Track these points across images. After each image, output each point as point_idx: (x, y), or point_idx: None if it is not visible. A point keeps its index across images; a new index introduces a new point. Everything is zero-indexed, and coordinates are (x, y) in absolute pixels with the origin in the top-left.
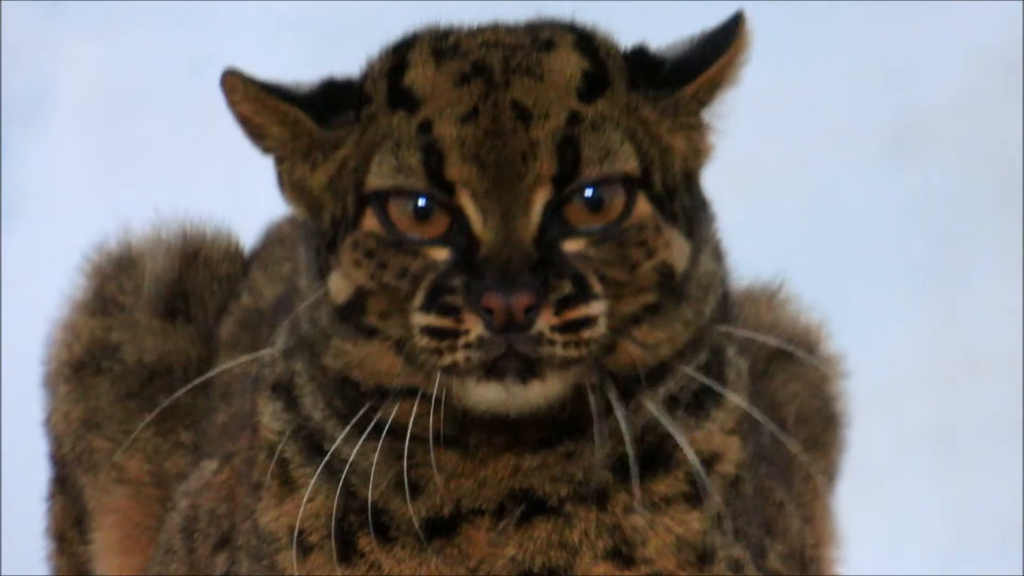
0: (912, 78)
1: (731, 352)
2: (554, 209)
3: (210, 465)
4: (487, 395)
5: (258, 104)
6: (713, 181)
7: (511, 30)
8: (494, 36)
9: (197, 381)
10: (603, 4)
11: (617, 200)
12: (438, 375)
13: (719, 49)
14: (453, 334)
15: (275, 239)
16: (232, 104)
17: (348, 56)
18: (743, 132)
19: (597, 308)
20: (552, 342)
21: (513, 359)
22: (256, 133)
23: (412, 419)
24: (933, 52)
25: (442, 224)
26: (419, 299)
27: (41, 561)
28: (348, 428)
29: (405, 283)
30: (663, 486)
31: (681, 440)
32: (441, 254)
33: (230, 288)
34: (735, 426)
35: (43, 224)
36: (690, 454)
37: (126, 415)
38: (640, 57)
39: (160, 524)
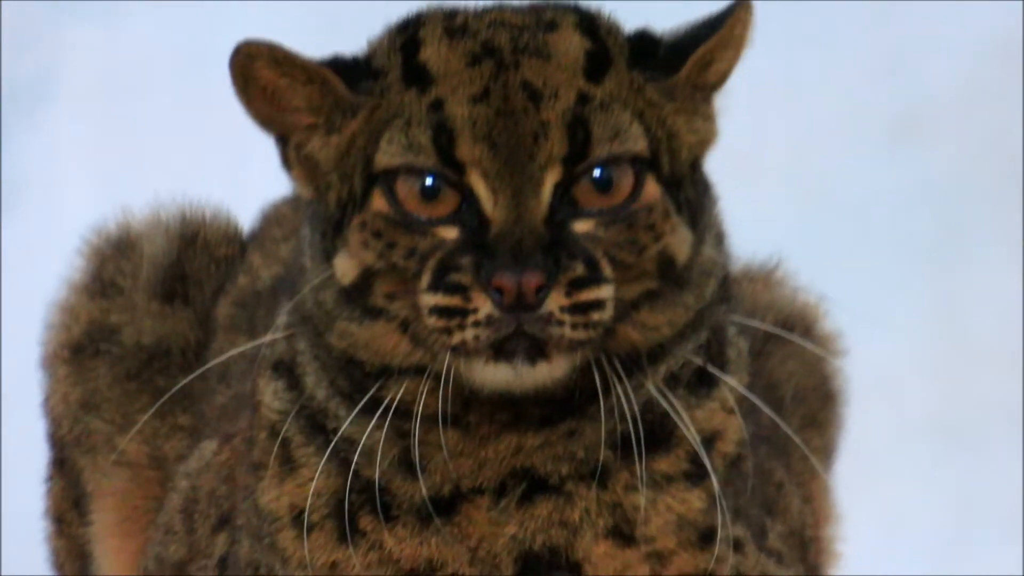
0: (913, 66)
1: (731, 332)
2: (563, 190)
3: (210, 446)
4: (495, 376)
5: (286, 65)
6: (715, 167)
7: (516, 11)
8: (500, 16)
9: (203, 368)
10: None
11: (625, 181)
12: (447, 355)
13: (712, 30)
14: (461, 312)
15: (273, 220)
16: (249, 73)
17: (349, 40)
18: (746, 117)
19: (607, 291)
20: (561, 323)
21: (522, 339)
22: (275, 102)
23: (419, 399)
24: (934, 40)
25: (450, 204)
26: (426, 279)
27: (41, 544)
28: (357, 409)
29: (413, 263)
30: (664, 465)
31: (680, 419)
32: (450, 233)
33: (228, 270)
34: (735, 405)
35: (44, 208)
36: (690, 432)
37: (124, 397)
38: (642, 38)
39: (159, 506)
